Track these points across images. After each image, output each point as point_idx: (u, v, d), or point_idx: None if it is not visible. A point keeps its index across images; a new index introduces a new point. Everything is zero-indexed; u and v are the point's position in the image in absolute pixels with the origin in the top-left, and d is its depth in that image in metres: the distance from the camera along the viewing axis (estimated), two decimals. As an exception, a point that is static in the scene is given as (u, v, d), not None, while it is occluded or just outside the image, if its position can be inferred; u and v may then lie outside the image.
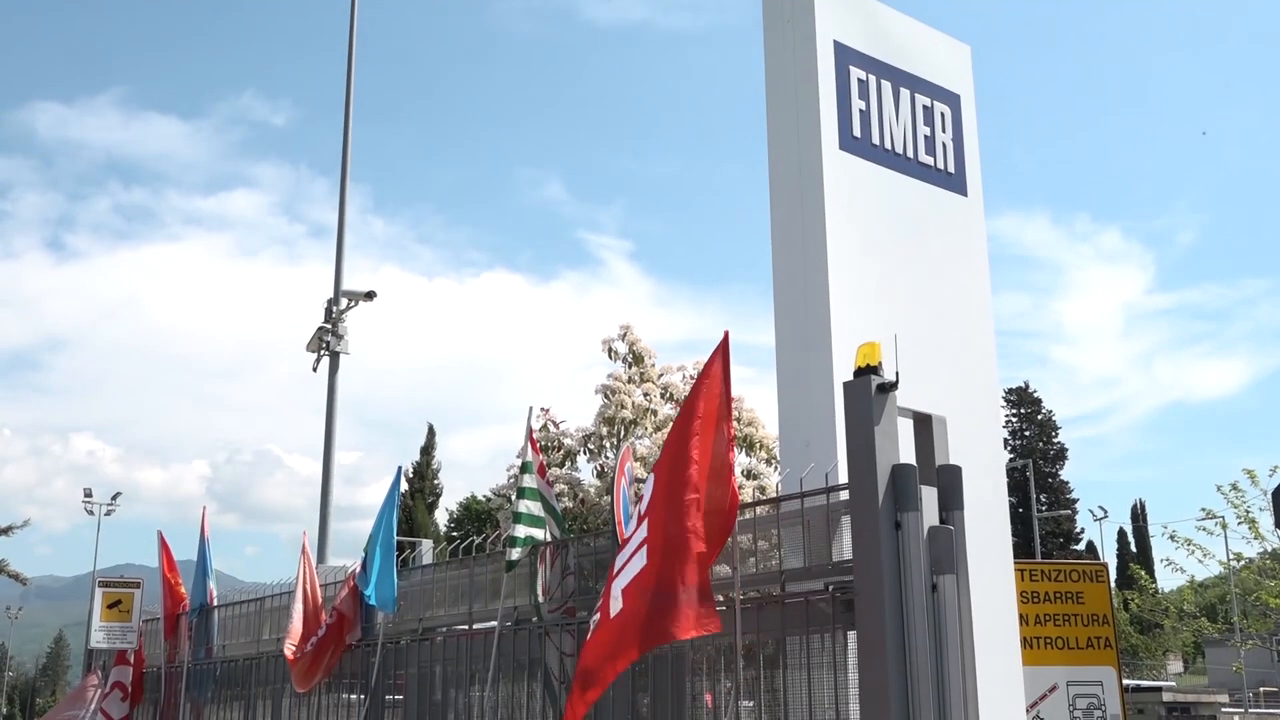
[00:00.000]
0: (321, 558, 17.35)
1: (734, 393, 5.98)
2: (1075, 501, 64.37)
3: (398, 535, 9.36)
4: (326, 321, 19.50)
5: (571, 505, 13.00)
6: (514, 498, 8.03)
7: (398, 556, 9.26)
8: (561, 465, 13.74)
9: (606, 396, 13.56)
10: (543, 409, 14.13)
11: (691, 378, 13.16)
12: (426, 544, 12.35)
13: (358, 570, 9.46)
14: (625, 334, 14.18)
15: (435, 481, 53.29)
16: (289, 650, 9.58)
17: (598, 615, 5.81)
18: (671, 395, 13.48)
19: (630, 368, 13.95)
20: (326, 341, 19.43)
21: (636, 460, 11.99)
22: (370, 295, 19.59)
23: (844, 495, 5.79)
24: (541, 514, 7.75)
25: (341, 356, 19.55)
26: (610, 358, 14.19)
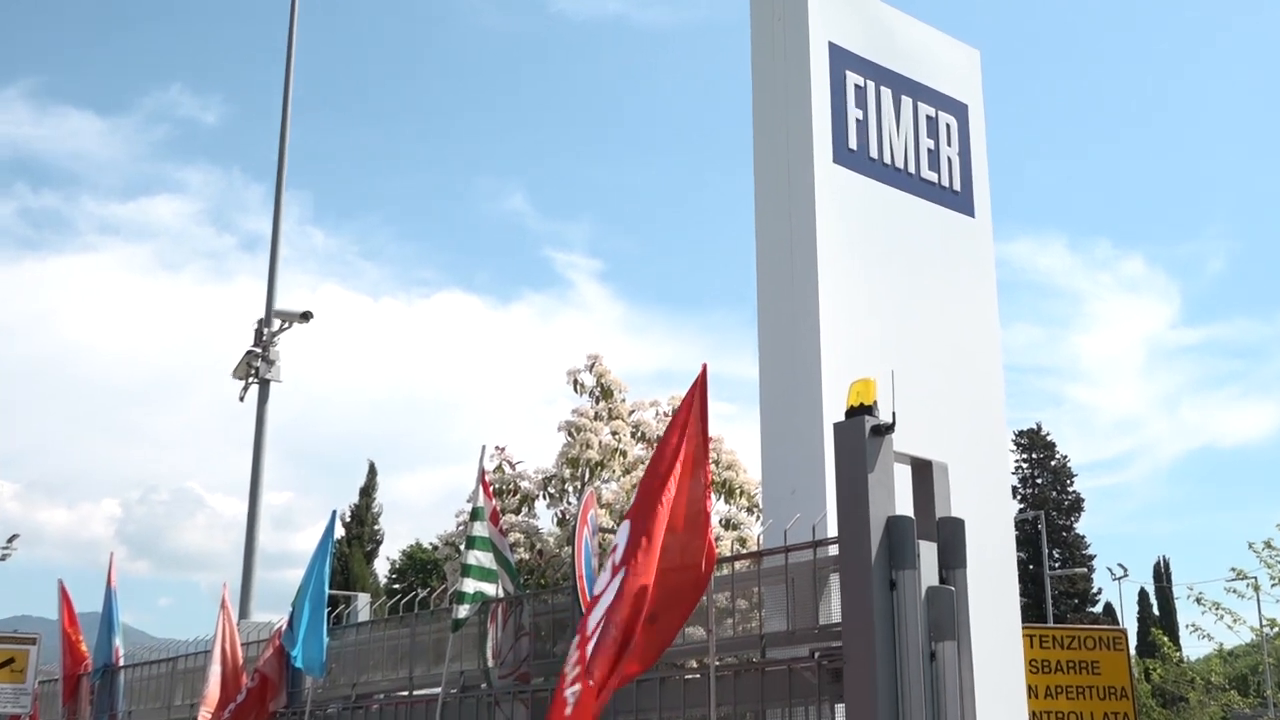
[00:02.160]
0: (244, 612, 17.17)
1: (712, 432, 5.97)
2: (1092, 558, 64.67)
3: (331, 588, 9.29)
4: (256, 345, 19.40)
5: (528, 557, 12.94)
6: (463, 547, 8.00)
7: (330, 612, 9.18)
8: (518, 511, 13.69)
9: (570, 435, 13.52)
10: (498, 448, 14.11)
11: (666, 415, 13.17)
12: (363, 598, 12.28)
13: (284, 628, 9.37)
14: (593, 365, 14.17)
15: (375, 527, 53.02)
16: (204, 718, 9.48)
17: (577, 686, 5.65)
18: (643, 434, 13.47)
19: (598, 403, 13.94)
20: (256, 367, 19.33)
21: (601, 507, 11.95)
22: (307, 316, 19.53)
23: (833, 550, 5.78)
24: (493, 566, 7.72)
25: (273, 384, 19.45)
26: (576, 391, 14.19)
